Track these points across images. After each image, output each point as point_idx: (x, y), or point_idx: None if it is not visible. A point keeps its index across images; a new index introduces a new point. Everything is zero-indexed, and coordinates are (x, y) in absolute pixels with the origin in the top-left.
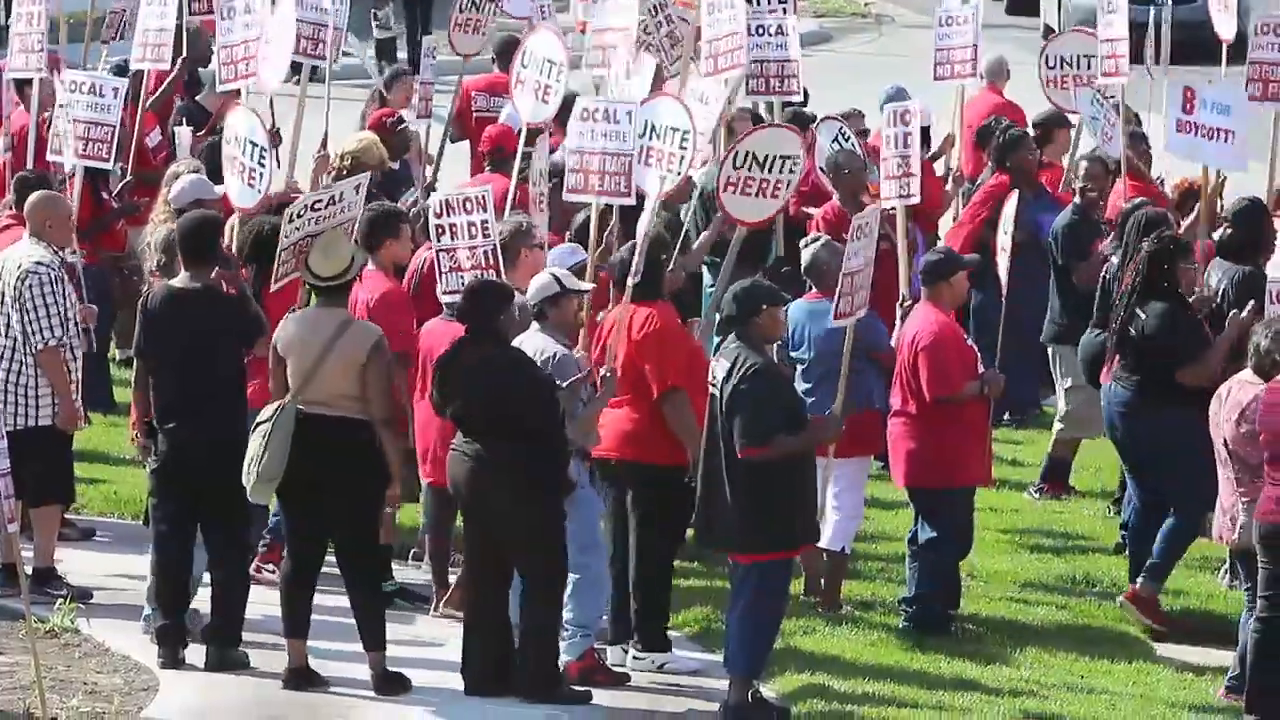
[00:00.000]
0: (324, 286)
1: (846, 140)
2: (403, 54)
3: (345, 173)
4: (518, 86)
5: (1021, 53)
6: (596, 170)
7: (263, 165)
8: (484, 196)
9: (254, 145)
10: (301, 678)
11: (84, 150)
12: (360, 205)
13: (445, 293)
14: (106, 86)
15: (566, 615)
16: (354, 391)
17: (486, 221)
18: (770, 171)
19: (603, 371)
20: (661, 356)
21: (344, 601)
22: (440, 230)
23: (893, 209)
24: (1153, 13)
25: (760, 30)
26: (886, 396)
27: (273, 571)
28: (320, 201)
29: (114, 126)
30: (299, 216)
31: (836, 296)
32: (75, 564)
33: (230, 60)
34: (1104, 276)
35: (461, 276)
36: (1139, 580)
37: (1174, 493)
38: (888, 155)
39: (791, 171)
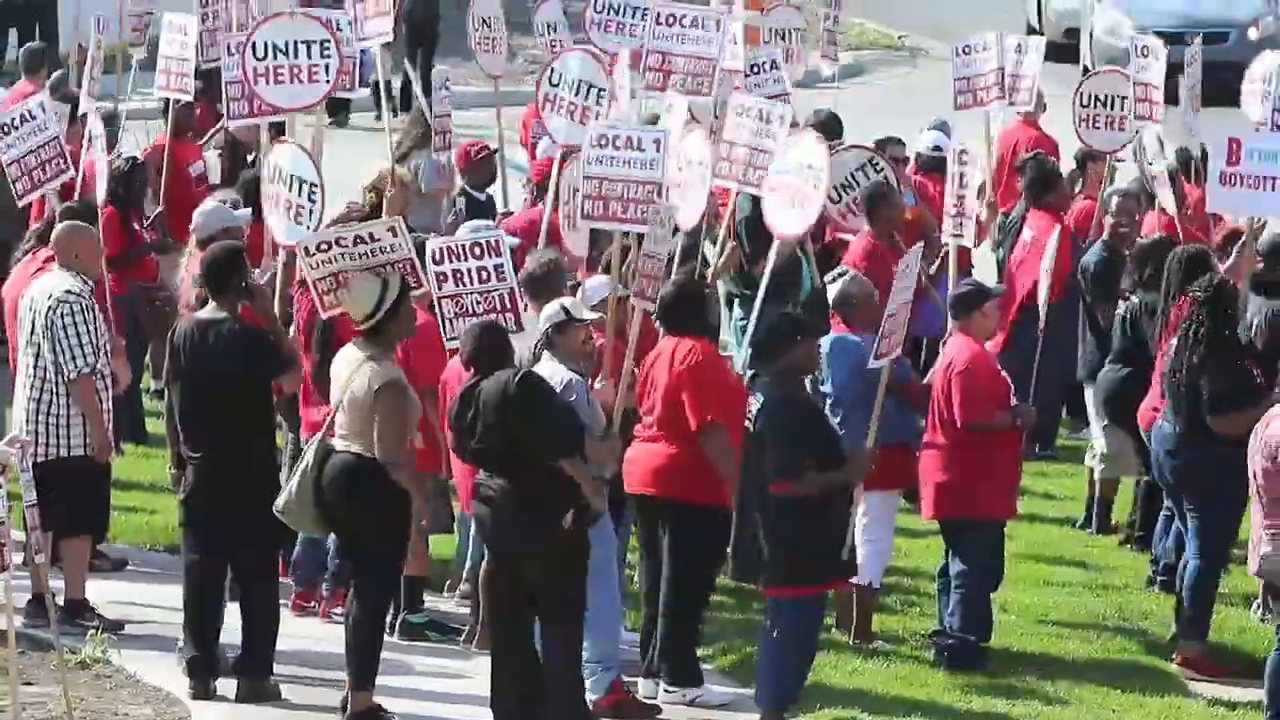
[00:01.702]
0: (357, 329)
1: (878, 170)
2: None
3: (371, 206)
4: (546, 106)
5: (1061, 88)
6: (619, 197)
7: (312, 201)
8: (497, 241)
9: (302, 181)
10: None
11: (45, 176)
12: (405, 247)
13: (450, 339)
14: (35, 109)
15: (584, 653)
16: (368, 430)
17: (501, 265)
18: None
19: (596, 384)
20: (700, 390)
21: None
22: (441, 278)
23: (946, 246)
24: (1186, 54)
25: (755, 70)
26: (897, 429)
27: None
28: (344, 239)
29: (56, 138)
30: (322, 251)
31: (878, 337)
32: (107, 595)
33: (240, 96)
34: (1125, 314)
35: (471, 322)
36: (1182, 642)
37: (1197, 531)
38: (949, 192)
39: (816, 188)
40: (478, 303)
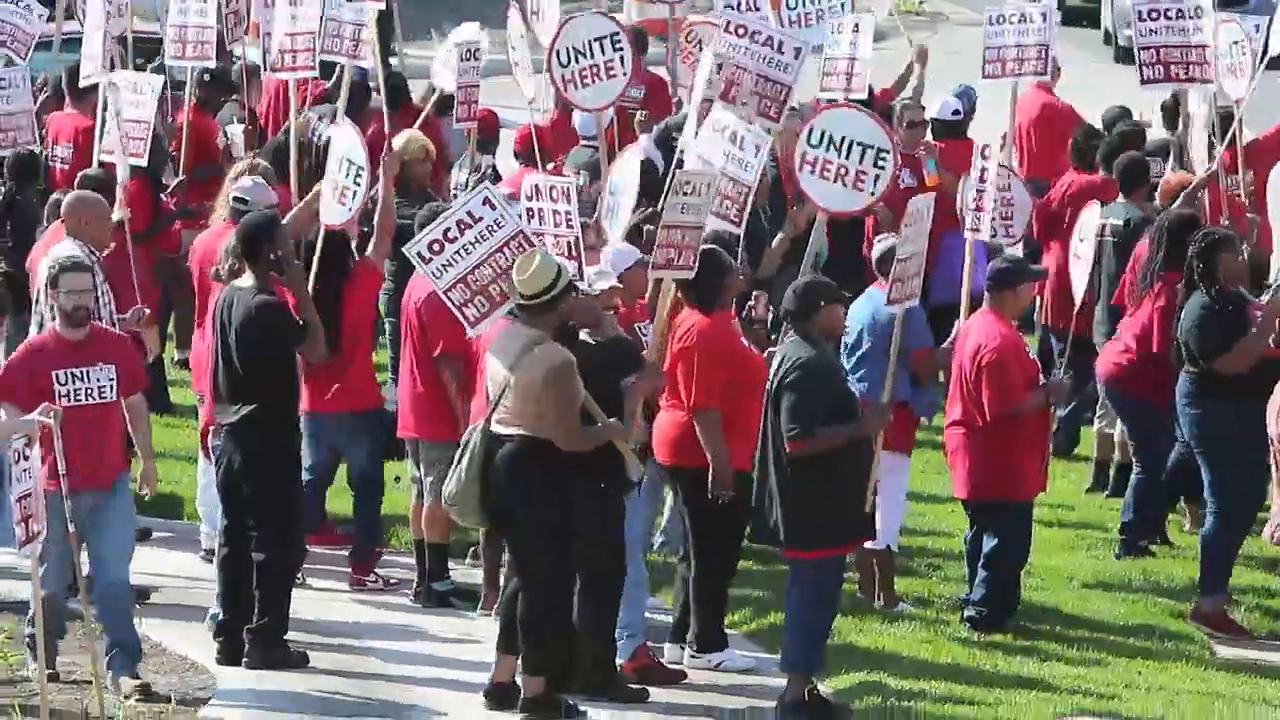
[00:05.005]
0: (524, 304)
1: None
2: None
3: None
4: (568, 86)
5: (1083, 52)
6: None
7: (357, 184)
8: (568, 188)
9: (350, 163)
10: (502, 693)
11: (126, 149)
12: (511, 218)
13: None
14: (143, 84)
15: None
16: (535, 413)
17: (570, 213)
18: (849, 158)
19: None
20: (693, 373)
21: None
22: (530, 213)
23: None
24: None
25: (838, 28)
26: (900, 388)
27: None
28: (450, 231)
29: (148, 123)
30: (435, 254)
31: (890, 281)
32: (132, 564)
33: (279, 49)
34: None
35: None
36: (1198, 596)
37: (1212, 486)
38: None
39: (879, 165)
40: (553, 244)
